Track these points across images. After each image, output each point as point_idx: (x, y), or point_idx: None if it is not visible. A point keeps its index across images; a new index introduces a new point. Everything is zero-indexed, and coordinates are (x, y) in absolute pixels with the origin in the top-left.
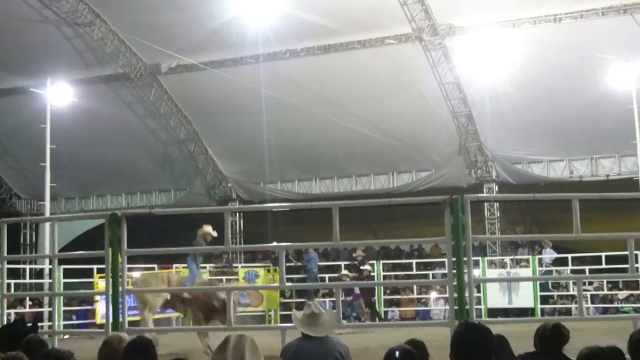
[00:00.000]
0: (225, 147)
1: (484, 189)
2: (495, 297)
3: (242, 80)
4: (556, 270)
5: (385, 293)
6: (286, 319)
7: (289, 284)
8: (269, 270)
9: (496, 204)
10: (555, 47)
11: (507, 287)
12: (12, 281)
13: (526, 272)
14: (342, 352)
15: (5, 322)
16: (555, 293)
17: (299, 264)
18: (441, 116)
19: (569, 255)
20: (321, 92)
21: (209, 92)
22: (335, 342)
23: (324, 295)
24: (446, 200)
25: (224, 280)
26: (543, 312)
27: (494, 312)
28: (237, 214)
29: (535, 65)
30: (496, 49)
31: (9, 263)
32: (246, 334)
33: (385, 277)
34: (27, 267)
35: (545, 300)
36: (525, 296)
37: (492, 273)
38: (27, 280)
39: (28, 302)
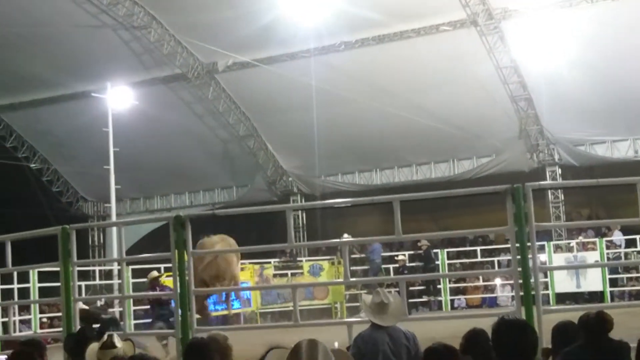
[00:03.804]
0: (284, 142)
1: (547, 173)
2: (563, 281)
3: (298, 75)
4: (625, 253)
5: (450, 281)
6: (352, 311)
7: (353, 278)
8: (333, 263)
9: None
10: (614, 26)
11: (575, 271)
12: (83, 283)
13: (593, 255)
14: (410, 338)
15: (77, 325)
16: (625, 275)
17: (363, 255)
18: (500, 101)
19: (638, 237)
20: (377, 83)
21: (266, 87)
22: (403, 330)
23: (388, 286)
24: (507, 189)
25: (289, 274)
26: (612, 295)
27: (562, 297)
28: None
29: (594, 44)
30: (553, 30)
31: (79, 265)
32: (318, 340)
33: (449, 265)
34: (97, 268)
35: (614, 283)
36: (593, 279)
37: (558, 257)
38: (97, 282)
39: (99, 303)
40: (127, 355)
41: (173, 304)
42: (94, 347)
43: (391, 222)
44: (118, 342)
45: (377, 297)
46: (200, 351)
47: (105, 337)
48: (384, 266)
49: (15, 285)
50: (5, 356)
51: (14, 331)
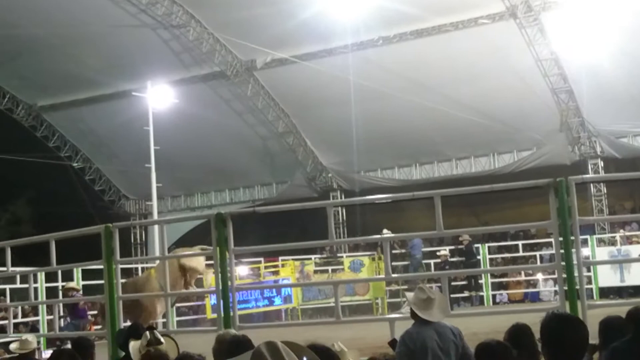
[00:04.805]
0: (323, 138)
1: (589, 165)
2: (606, 275)
3: (336, 71)
4: None
5: (492, 276)
6: (393, 307)
7: (395, 274)
8: (373, 259)
9: None
10: None
11: (619, 265)
12: (126, 280)
13: (637, 248)
14: (456, 334)
15: (122, 322)
16: None
17: (403, 250)
18: (540, 94)
19: None
20: (415, 77)
21: (304, 84)
22: (449, 326)
23: (429, 282)
24: (550, 183)
25: (330, 270)
26: None
27: (605, 292)
28: None
29: (635, 35)
30: (594, 21)
31: (121, 263)
32: (275, 341)
33: (491, 259)
34: (139, 266)
35: None
36: (638, 273)
37: (601, 251)
38: None
39: None
40: (167, 351)
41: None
42: (136, 344)
43: (431, 217)
44: (162, 338)
45: (423, 293)
46: (244, 347)
47: (148, 334)
48: (424, 261)
49: (60, 283)
50: (51, 351)
51: (59, 329)
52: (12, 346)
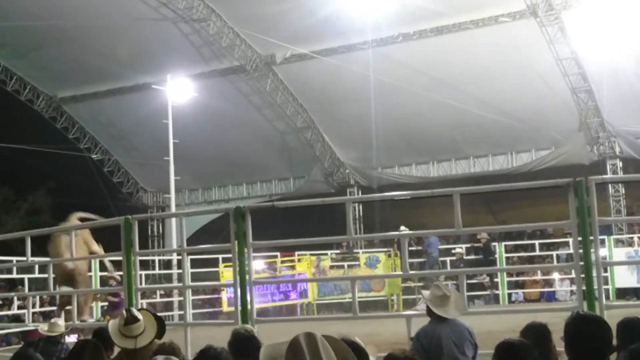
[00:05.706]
0: (341, 134)
1: (607, 166)
2: (624, 276)
3: (356, 67)
4: None
5: (508, 275)
6: (408, 304)
7: (412, 271)
8: (389, 255)
9: None
10: None
11: (636, 266)
12: (143, 272)
13: None
14: (472, 333)
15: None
16: None
17: (419, 248)
18: (559, 93)
19: None
20: (435, 74)
21: (323, 79)
22: (464, 324)
23: (446, 279)
24: (570, 183)
25: (346, 266)
26: None
27: (622, 292)
28: None
29: None
30: (615, 20)
31: (140, 255)
32: (314, 332)
33: (507, 258)
34: (156, 258)
35: None
36: None
37: (619, 252)
38: (157, 271)
39: (159, 292)
40: (146, 324)
41: None
42: (114, 323)
43: (447, 215)
44: (138, 314)
45: (439, 290)
46: (248, 343)
47: (125, 312)
48: (440, 259)
49: None
50: (77, 335)
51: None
52: (41, 327)
